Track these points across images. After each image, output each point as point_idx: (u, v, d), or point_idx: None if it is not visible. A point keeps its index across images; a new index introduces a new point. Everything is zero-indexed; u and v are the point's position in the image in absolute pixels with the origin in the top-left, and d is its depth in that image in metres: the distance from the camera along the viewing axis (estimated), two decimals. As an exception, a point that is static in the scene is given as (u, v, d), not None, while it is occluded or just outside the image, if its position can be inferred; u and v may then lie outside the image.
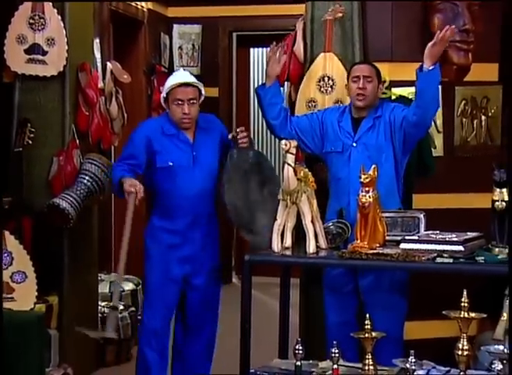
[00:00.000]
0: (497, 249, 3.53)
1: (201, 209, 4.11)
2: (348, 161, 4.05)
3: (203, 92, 4.15)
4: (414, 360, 3.15)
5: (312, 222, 3.72)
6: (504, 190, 3.52)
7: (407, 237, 3.63)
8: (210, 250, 4.20)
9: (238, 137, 4.09)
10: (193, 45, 7.56)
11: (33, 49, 4.40)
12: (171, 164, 4.06)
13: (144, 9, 6.79)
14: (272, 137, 8.44)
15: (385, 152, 4.03)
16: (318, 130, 4.18)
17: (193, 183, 4.07)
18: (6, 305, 4.00)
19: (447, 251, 3.47)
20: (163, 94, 4.12)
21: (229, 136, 4.17)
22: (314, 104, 4.53)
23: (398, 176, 4.09)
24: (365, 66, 4.18)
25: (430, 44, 3.85)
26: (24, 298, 4.09)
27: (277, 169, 8.31)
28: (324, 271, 4.17)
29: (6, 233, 4.10)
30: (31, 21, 4.40)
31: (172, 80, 4.12)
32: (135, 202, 3.91)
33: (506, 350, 3.03)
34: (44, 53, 4.42)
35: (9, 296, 4.04)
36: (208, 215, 4.16)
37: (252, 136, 8.45)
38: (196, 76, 7.31)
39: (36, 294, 4.18)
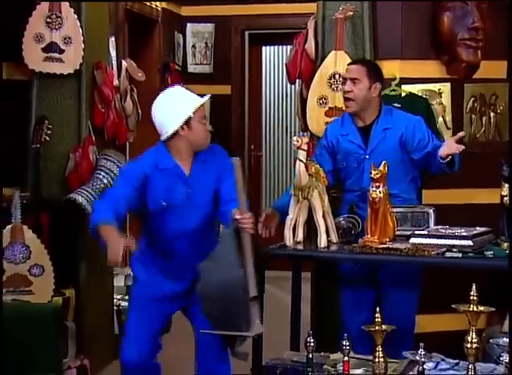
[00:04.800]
0: (506, 244, 3.51)
1: (193, 250, 3.59)
2: (362, 173, 3.95)
3: None
4: (423, 352, 3.14)
5: (323, 217, 3.70)
6: (513, 185, 3.50)
7: (416, 232, 3.62)
8: None
9: (241, 221, 3.35)
10: (206, 44, 7.56)
11: (51, 48, 4.41)
12: (164, 204, 3.55)
13: (159, 8, 6.79)
14: (283, 134, 8.53)
15: (398, 158, 3.92)
16: (331, 153, 4.08)
17: (185, 223, 3.57)
18: (24, 297, 4.04)
19: (456, 245, 3.46)
20: (189, 115, 3.52)
21: (234, 215, 3.37)
22: (325, 101, 4.53)
23: (416, 179, 4.05)
24: (354, 66, 4.02)
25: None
26: (42, 290, 4.11)
27: (289, 166, 8.40)
28: (339, 267, 4.16)
29: (24, 227, 4.12)
30: (48, 20, 4.41)
31: (189, 100, 3.58)
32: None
33: (514, 343, 3.01)
34: (61, 51, 4.44)
35: (27, 289, 4.06)
36: (200, 255, 3.50)
37: (264, 133, 8.46)
38: (208, 75, 7.51)
39: (53, 287, 4.19)
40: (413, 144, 3.92)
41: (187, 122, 3.53)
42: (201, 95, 7.41)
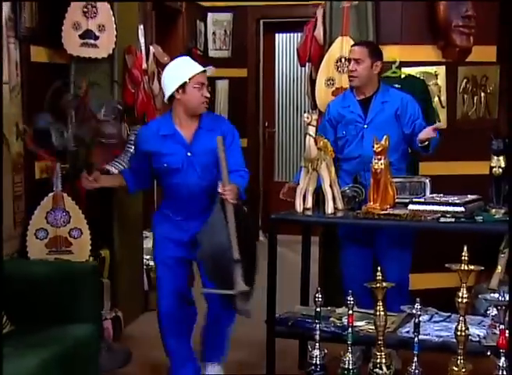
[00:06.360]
0: (494, 210, 3.51)
1: (196, 205, 3.62)
2: (361, 141, 3.97)
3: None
4: (419, 307, 3.16)
5: (330, 186, 3.70)
6: (501, 157, 3.49)
7: (414, 200, 3.61)
8: None
9: (223, 193, 3.43)
10: (225, 31, 7.53)
11: (87, 34, 4.39)
12: (165, 165, 3.61)
13: (183, -1, 6.76)
14: (294, 112, 8.49)
15: (393, 129, 3.92)
16: (333, 126, 4.08)
17: (186, 183, 3.60)
18: (65, 257, 4.08)
19: (450, 211, 3.45)
20: (185, 80, 3.55)
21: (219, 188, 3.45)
22: (332, 82, 4.51)
23: (406, 152, 4.06)
24: (357, 48, 4.01)
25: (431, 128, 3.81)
26: (80, 251, 4.13)
27: (300, 141, 8.37)
28: (341, 232, 4.16)
29: (64, 195, 4.14)
30: (85, 10, 4.39)
31: (188, 68, 3.60)
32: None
33: (500, 298, 3.02)
34: (96, 38, 4.42)
35: (68, 249, 4.09)
36: (203, 209, 3.60)
37: (277, 111, 8.43)
38: (227, 59, 7.49)
39: (90, 247, 4.22)
40: (405, 118, 3.96)
41: (183, 86, 3.55)
42: (220, 78, 7.47)
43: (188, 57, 3.76)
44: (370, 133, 3.85)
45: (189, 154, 3.61)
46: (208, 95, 3.63)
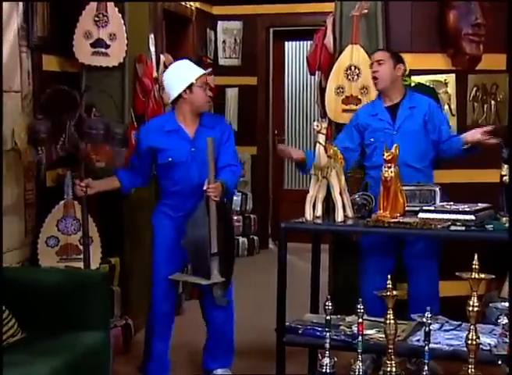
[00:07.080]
0: (504, 218, 3.48)
1: (197, 200, 3.75)
2: (391, 148, 3.97)
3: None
4: (429, 315, 3.14)
5: (340, 194, 3.69)
6: (511, 166, 3.48)
7: (424, 208, 3.59)
8: None
9: (207, 190, 3.67)
10: (235, 39, 7.55)
11: (98, 43, 4.42)
12: (170, 160, 3.80)
13: (193, 8, 6.79)
14: (304, 120, 8.50)
15: (422, 135, 3.97)
16: (360, 132, 4.09)
17: (190, 178, 3.80)
18: (76, 264, 4.09)
19: (460, 220, 3.43)
20: (192, 81, 3.80)
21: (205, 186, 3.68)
22: (342, 90, 4.50)
23: (433, 159, 4.07)
24: (379, 52, 4.11)
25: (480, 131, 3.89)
26: (91, 258, 4.14)
27: (309, 149, 8.35)
28: (365, 240, 4.14)
29: (75, 203, 4.16)
30: (96, 19, 4.41)
31: (193, 70, 3.87)
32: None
33: (511, 307, 3.00)
34: (107, 47, 4.44)
35: (78, 257, 4.10)
36: None
37: (286, 119, 8.44)
38: (237, 67, 7.52)
39: (101, 255, 4.22)
40: (433, 124, 3.98)
41: (190, 87, 3.78)
42: (230, 86, 7.52)
43: (188, 60, 4.02)
44: (400, 140, 3.84)
45: (193, 149, 3.82)
46: (211, 95, 3.95)
